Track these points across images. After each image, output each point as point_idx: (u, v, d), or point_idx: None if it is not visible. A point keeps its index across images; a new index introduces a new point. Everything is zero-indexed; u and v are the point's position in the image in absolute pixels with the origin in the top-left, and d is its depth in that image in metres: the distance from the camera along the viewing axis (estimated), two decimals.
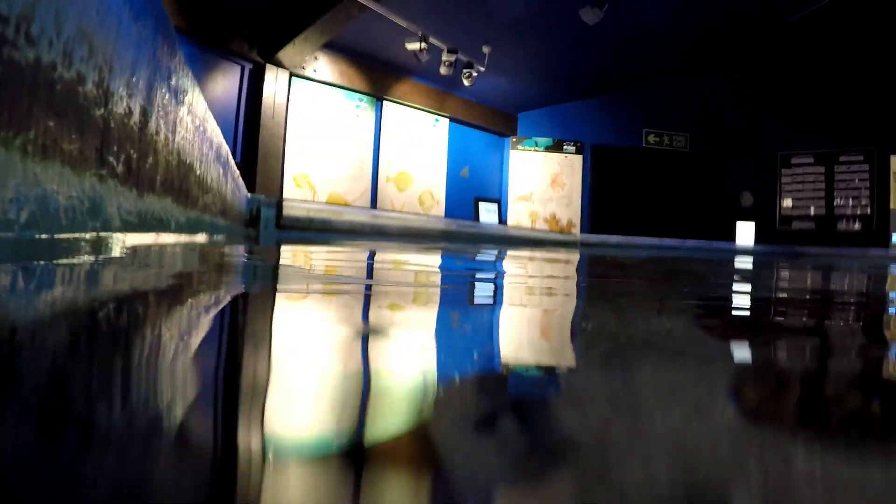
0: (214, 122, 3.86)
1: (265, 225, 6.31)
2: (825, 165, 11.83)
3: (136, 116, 1.93)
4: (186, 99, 2.85)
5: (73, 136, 1.34)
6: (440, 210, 10.73)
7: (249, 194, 6.55)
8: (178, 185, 2.71)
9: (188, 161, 2.93)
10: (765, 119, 12.02)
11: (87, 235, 1.48)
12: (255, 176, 8.02)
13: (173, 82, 2.54)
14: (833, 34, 9.49)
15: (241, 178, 5.61)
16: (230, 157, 4.84)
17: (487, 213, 11.57)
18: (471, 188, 11.48)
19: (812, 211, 11.94)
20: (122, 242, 1.80)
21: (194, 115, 3.07)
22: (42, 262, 1.23)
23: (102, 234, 1.59)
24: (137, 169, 1.97)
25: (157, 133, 2.25)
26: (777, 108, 11.82)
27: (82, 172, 1.41)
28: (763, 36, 9.70)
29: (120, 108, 1.74)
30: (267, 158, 8.24)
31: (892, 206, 11.51)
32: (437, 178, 10.77)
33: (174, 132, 2.57)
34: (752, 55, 10.73)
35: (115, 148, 1.71)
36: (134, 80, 1.89)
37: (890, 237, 11.40)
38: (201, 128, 3.30)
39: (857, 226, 11.52)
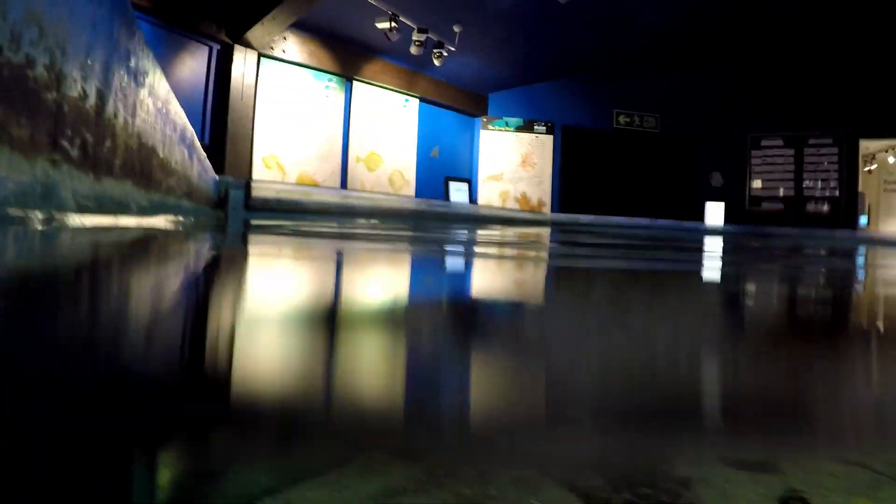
0: (178, 104, 3.81)
1: (233, 206, 6.26)
2: (795, 148, 11.97)
3: (91, 100, 1.91)
4: (147, 81, 2.81)
5: (22, 122, 1.32)
6: (410, 190, 10.70)
7: (217, 176, 6.48)
8: (140, 168, 2.68)
9: (150, 143, 2.90)
10: (735, 101, 12.11)
11: (41, 214, 1.47)
12: (224, 158, 7.93)
13: (132, 64, 2.50)
14: (804, 18, 9.58)
15: (207, 160, 5.55)
16: (195, 138, 4.79)
17: (458, 193, 11.56)
18: (441, 168, 11.44)
19: (781, 192, 12.09)
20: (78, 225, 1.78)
21: (156, 97, 3.03)
22: None
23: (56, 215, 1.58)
24: (94, 153, 1.96)
25: (116, 116, 2.22)
26: (748, 90, 11.92)
27: (33, 157, 1.40)
28: (736, 21, 9.75)
29: (74, 92, 1.72)
30: (236, 140, 8.15)
31: (860, 188, 11.71)
32: (407, 159, 10.72)
33: (134, 115, 2.54)
34: (725, 40, 10.80)
35: (70, 132, 1.69)
36: (89, 62, 1.86)
37: (857, 219, 11.61)
38: (164, 110, 3.26)
39: (825, 207, 11.68)
